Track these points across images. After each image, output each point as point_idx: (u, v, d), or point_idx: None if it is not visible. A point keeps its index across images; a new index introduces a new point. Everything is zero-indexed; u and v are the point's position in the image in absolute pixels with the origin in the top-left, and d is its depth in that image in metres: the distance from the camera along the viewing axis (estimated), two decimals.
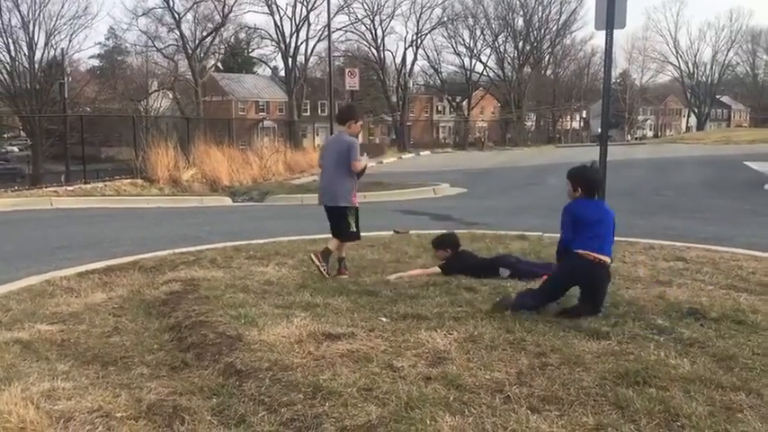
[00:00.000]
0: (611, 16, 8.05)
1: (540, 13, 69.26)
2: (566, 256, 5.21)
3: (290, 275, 6.57)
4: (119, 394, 3.74)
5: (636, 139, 73.03)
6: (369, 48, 62.82)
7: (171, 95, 54.56)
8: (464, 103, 71.69)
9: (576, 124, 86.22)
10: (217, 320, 4.88)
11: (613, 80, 78.41)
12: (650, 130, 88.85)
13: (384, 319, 4.92)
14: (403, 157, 43.05)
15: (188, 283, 6.18)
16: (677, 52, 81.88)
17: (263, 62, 67.45)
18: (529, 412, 3.35)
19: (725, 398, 3.49)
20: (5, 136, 62.23)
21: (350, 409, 3.39)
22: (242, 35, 61.72)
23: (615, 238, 8.50)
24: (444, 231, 7.47)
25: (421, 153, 47.69)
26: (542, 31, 70.50)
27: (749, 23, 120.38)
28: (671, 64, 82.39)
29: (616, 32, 8.32)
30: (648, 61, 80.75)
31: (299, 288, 5.97)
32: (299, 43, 56.29)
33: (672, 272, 6.59)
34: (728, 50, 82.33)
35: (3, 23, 44.23)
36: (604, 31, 8.17)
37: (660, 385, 3.63)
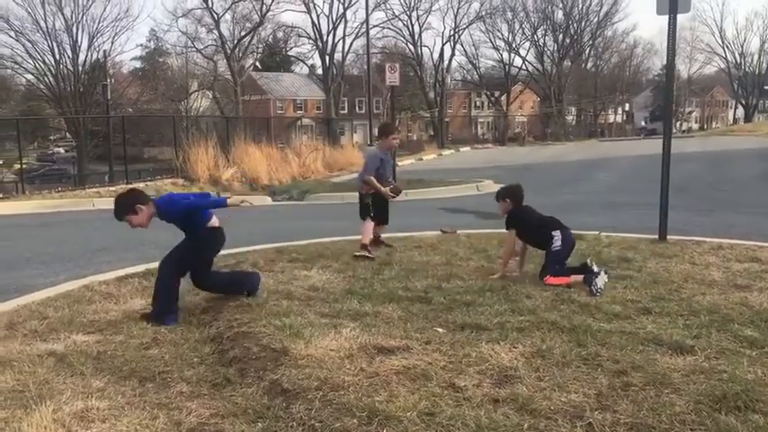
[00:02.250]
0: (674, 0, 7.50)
1: (579, 5, 67.94)
2: None
3: (335, 280, 6.22)
4: (156, 416, 3.42)
5: (682, 131, 71.08)
6: (406, 44, 62.45)
7: (210, 95, 54.96)
8: (503, 97, 70.69)
9: (618, 118, 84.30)
10: (260, 331, 4.55)
11: (658, 72, 76.65)
12: (696, 122, 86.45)
13: (440, 330, 4.53)
14: (443, 153, 42.52)
15: None
16: (723, 42, 79.29)
17: (301, 60, 67.65)
18: None
19: None
20: (52, 138, 63.55)
21: None
22: (279, 34, 61.84)
23: (679, 238, 8.05)
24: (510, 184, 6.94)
25: (461, 149, 47.07)
26: (582, 23, 69.14)
27: None
28: (717, 55, 79.84)
29: (663, 20, 7.77)
30: (695, 52, 78.41)
31: (346, 294, 5.61)
32: (336, 41, 56.22)
33: (749, 275, 6.05)
34: None
35: (47, 27, 45.08)
36: (667, 17, 7.62)
37: (765, 410, 3.17)
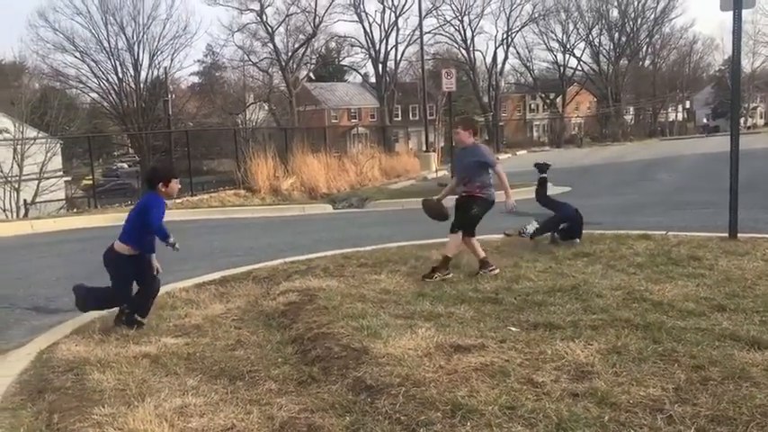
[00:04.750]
0: None
1: (635, 3, 66.56)
2: None
3: (405, 283, 6.38)
4: (250, 411, 3.65)
5: (747, 128, 68.78)
6: (458, 49, 62.48)
7: (266, 107, 56.07)
8: (558, 99, 69.86)
9: (679, 116, 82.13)
10: (339, 332, 4.74)
11: (720, 66, 74.40)
12: (761, 117, 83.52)
13: (514, 329, 4.64)
14: (499, 157, 42.26)
15: (304, 293, 6.10)
16: None
17: (354, 69, 68.30)
18: None
19: None
20: (116, 154, 65.86)
21: (495, 431, 3.13)
22: (332, 44, 62.79)
23: (750, 235, 7.91)
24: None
25: (517, 153, 46.77)
26: (639, 20, 67.73)
27: None
28: None
29: (723, 15, 7.68)
30: (758, 46, 75.74)
31: (417, 296, 5.77)
32: (388, 49, 56.72)
33: None
34: None
35: (110, 47, 46.93)
36: (731, 12, 7.55)
37: None
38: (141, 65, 48.64)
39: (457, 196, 6.83)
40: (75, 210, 20.79)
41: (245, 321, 5.57)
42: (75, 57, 47.32)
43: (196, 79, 65.05)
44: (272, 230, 13.51)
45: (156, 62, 49.54)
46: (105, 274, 5.73)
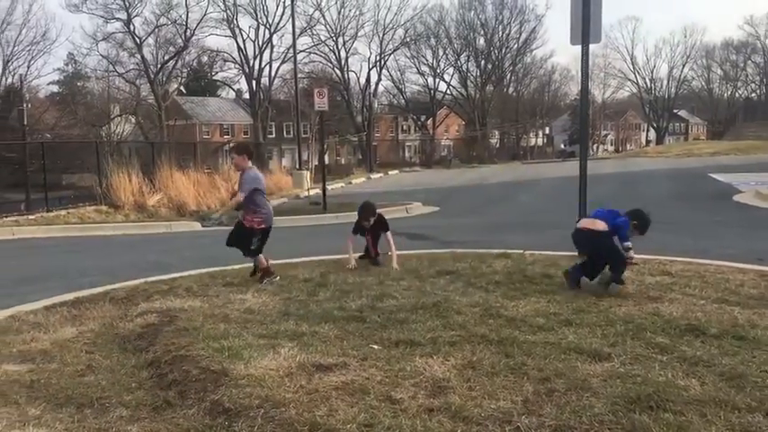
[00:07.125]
0: (586, 31, 8.02)
1: (500, 33, 70.18)
2: None
3: (270, 302, 6.31)
4: None
5: (603, 152, 74.06)
6: (333, 69, 62.90)
7: (133, 120, 53.72)
8: (429, 121, 72.06)
9: (539, 141, 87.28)
10: (199, 354, 4.60)
11: (575, 96, 79.81)
12: (611, 144, 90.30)
13: (376, 347, 4.70)
14: (371, 177, 42.90)
15: (164, 314, 5.88)
16: (634, 68, 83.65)
17: (227, 85, 67.00)
18: None
19: (743, 420, 3.35)
20: None
21: None
22: (205, 58, 61.23)
23: None
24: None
25: (389, 172, 47.62)
26: (503, 50, 71.39)
27: (703, 39, 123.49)
28: (629, 80, 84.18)
29: (578, 48, 8.29)
30: (608, 78, 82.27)
31: (282, 316, 5.72)
32: (262, 65, 56.17)
33: (661, 287, 6.49)
34: (684, 66, 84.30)
35: None
36: (580, 46, 8.13)
37: (674, 409, 3.48)
38: None
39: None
40: None
41: (98, 345, 5.26)
42: None
43: (56, 88, 61.32)
44: (135, 248, 12.93)
45: (11, 69, 46.29)
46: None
